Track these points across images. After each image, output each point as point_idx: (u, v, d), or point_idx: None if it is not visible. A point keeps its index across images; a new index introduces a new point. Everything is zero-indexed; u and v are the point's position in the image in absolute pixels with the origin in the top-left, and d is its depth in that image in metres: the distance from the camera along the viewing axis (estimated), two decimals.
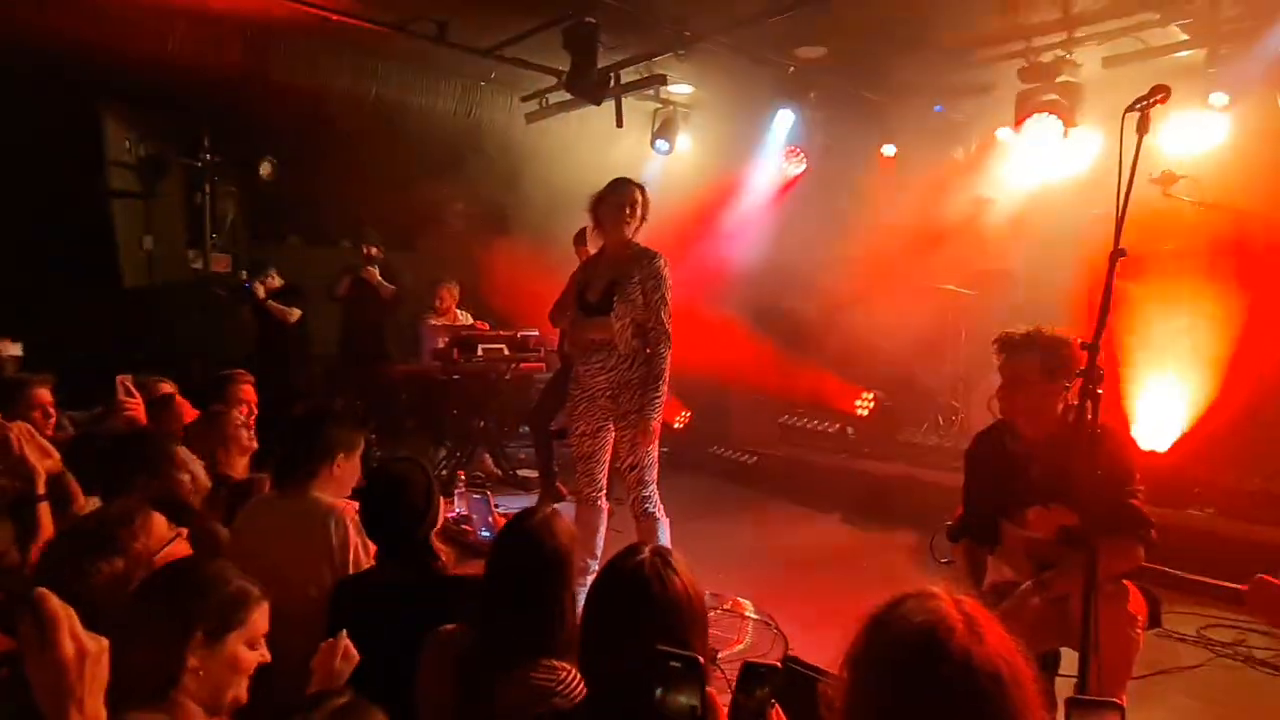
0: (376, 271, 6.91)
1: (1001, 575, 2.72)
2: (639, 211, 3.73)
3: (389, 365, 6.91)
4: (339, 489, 2.63)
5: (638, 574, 1.60)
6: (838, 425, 6.78)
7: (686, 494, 6.41)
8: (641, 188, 3.76)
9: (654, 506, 3.72)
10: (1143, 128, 2.16)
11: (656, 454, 3.73)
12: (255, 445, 3.32)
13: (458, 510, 5.01)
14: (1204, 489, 4.83)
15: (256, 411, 3.95)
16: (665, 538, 3.70)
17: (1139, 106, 2.17)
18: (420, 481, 2.27)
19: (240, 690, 1.55)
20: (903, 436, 6.50)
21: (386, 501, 2.24)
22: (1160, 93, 2.17)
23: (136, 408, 3.18)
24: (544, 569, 1.89)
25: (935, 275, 6.29)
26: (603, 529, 3.85)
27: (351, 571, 2.33)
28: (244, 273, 7.03)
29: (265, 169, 7.09)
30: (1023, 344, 2.61)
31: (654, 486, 3.72)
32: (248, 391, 4.00)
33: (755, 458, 6.95)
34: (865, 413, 6.76)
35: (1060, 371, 2.54)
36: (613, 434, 3.75)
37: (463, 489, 5.16)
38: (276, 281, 6.88)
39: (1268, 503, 4.62)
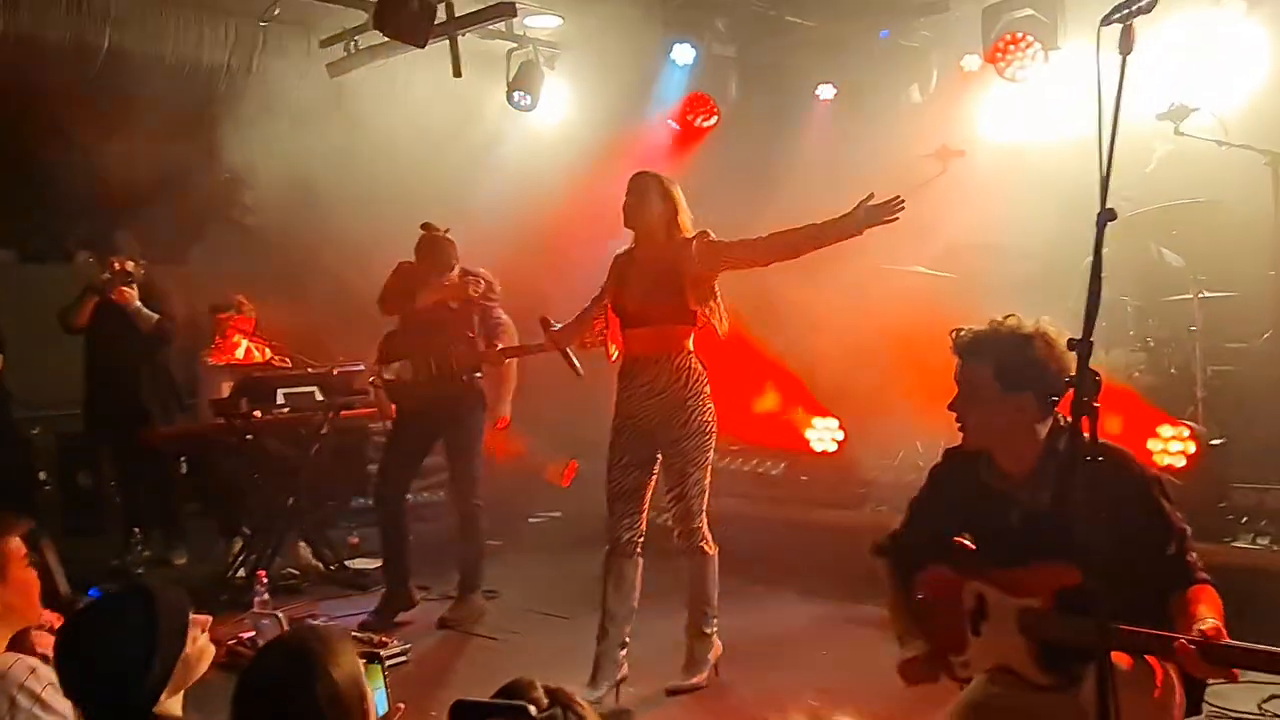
0: (134, 294, 6.56)
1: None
2: (659, 198, 4.31)
3: (150, 425, 6.57)
4: (7, 625, 2.51)
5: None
6: (783, 465, 6.76)
7: (588, 576, 6.26)
8: (658, 177, 4.38)
9: (702, 540, 4.37)
10: (1126, 45, 2.15)
11: (709, 480, 4.36)
12: None
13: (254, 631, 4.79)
14: (1253, 512, 5.01)
15: None
16: (715, 576, 4.41)
17: (1118, 17, 2.17)
18: (129, 627, 2.07)
19: None
20: (870, 474, 6.52)
21: (75, 665, 2.05)
22: None
23: None
24: None
25: (896, 254, 6.34)
26: (638, 586, 4.38)
27: None
28: None
29: None
30: (972, 345, 2.65)
31: (704, 517, 4.36)
32: None
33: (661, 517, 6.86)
34: (830, 448, 6.69)
35: (1024, 380, 2.57)
36: (658, 464, 4.36)
37: (263, 596, 4.92)
38: None
39: None
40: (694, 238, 4.28)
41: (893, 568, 2.94)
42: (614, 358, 4.51)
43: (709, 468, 4.35)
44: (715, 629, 4.47)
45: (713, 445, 4.35)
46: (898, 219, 3.93)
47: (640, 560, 4.37)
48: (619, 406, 4.39)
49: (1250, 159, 5.28)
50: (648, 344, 4.31)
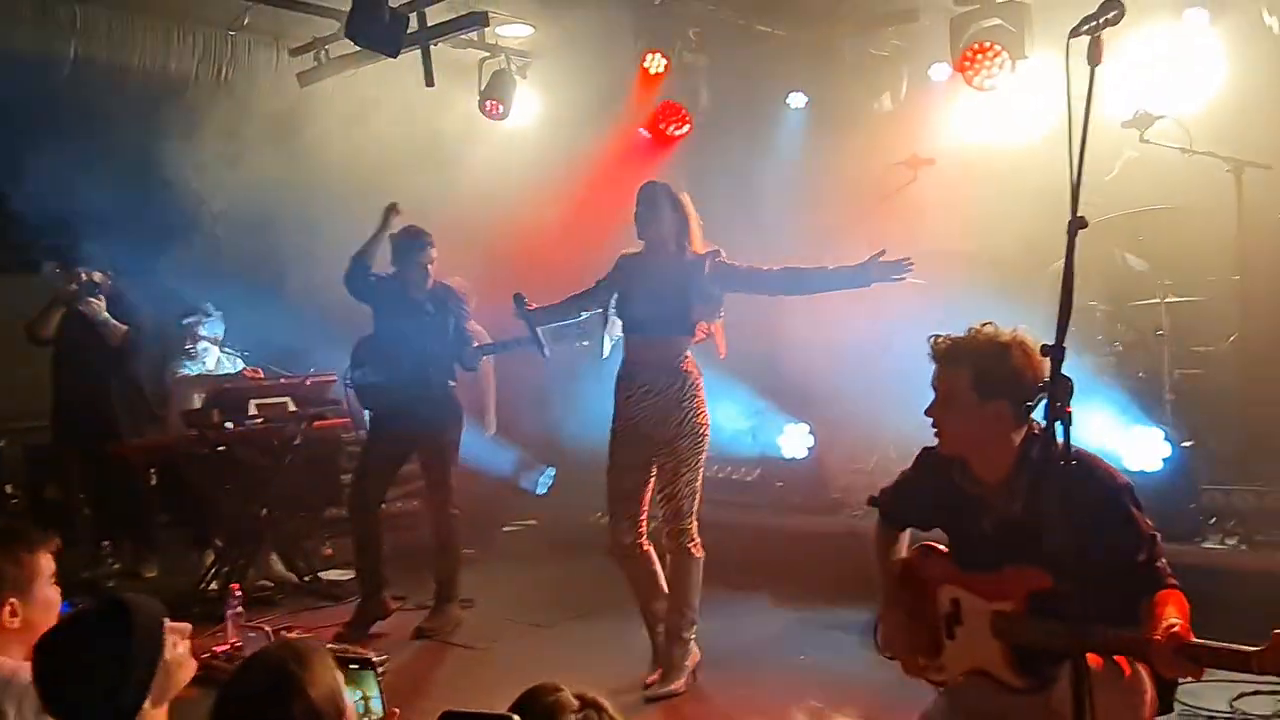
0: (101, 305, 6.52)
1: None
2: (670, 208, 4.43)
3: (119, 437, 6.51)
4: (25, 642, 2.43)
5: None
6: (757, 471, 6.78)
7: (564, 583, 6.34)
8: (667, 187, 4.51)
9: (690, 541, 4.43)
10: (1095, 56, 2.20)
11: (700, 483, 4.47)
12: None
13: (231, 642, 4.75)
14: (1221, 513, 5.11)
15: None
16: (698, 580, 4.46)
17: (1087, 29, 2.21)
18: (103, 640, 2.07)
19: None
20: (844, 480, 6.56)
21: (53, 682, 2.04)
22: (1112, 10, 2.21)
23: None
24: None
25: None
26: (661, 571, 4.53)
27: None
28: None
29: None
30: (951, 352, 2.70)
31: (694, 519, 4.44)
32: None
33: (654, 523, 6.83)
34: (801, 454, 6.75)
35: (1000, 388, 2.61)
36: (655, 466, 4.44)
37: (236, 608, 4.88)
38: None
39: None
40: (706, 255, 4.44)
41: (882, 520, 3.11)
42: (605, 354, 4.64)
43: (701, 470, 4.48)
44: (694, 635, 4.50)
45: (705, 448, 4.48)
46: (904, 280, 4.17)
47: (649, 549, 4.55)
48: (618, 409, 4.52)
49: (1212, 165, 5.39)
50: (650, 351, 4.45)
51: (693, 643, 4.50)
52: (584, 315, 4.75)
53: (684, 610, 4.45)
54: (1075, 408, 2.11)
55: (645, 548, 4.55)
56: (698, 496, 4.47)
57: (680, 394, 4.40)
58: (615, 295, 4.58)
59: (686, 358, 4.47)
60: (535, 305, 4.76)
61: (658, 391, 4.41)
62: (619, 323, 4.58)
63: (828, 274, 4.34)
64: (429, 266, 5.44)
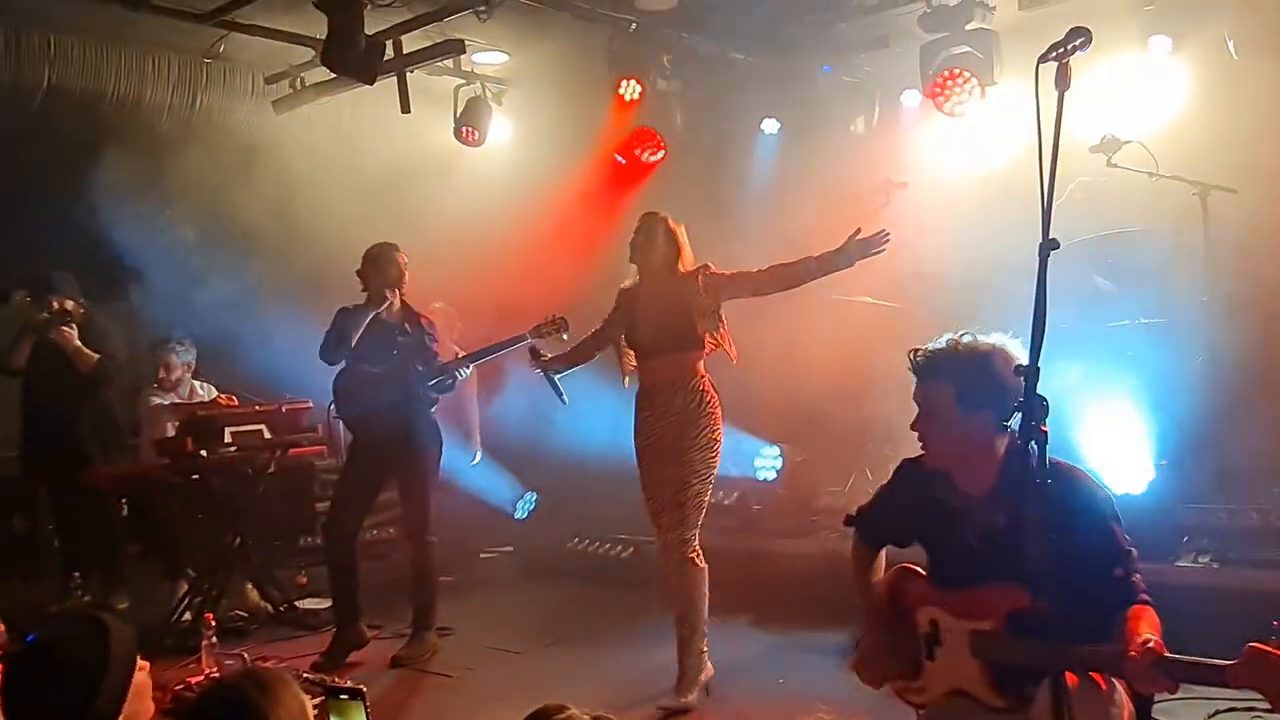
0: (73, 334, 6.46)
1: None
2: (665, 238, 4.62)
3: (90, 466, 6.44)
4: None
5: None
6: (736, 495, 6.81)
7: (540, 610, 6.32)
8: (666, 219, 4.69)
9: (693, 552, 4.51)
10: (1063, 81, 2.25)
11: (708, 497, 4.57)
12: None
13: (206, 672, 4.69)
14: (1194, 532, 5.15)
15: None
16: (704, 591, 4.50)
17: (1055, 55, 2.26)
18: (79, 660, 2.04)
19: None
20: (821, 501, 6.58)
21: (28, 691, 2.01)
22: (1079, 37, 2.27)
23: None
24: None
25: (843, 285, 6.42)
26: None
27: None
28: None
29: None
30: (932, 364, 2.71)
31: (696, 531, 4.52)
32: None
33: (630, 549, 6.86)
34: (770, 476, 6.79)
35: (983, 399, 2.63)
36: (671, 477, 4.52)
37: (211, 639, 4.83)
38: None
39: (1273, 542, 4.95)
40: (697, 271, 4.61)
41: (859, 539, 3.10)
42: (626, 384, 4.78)
43: (710, 483, 4.58)
44: (707, 648, 4.54)
45: (716, 463, 4.59)
46: (884, 251, 4.29)
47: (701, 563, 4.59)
48: (639, 429, 4.66)
49: (1178, 189, 5.48)
50: (664, 372, 4.60)
51: (706, 656, 4.54)
52: (598, 355, 4.92)
53: (693, 621, 4.50)
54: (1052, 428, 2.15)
55: (699, 563, 4.59)
56: (704, 510, 4.55)
57: (698, 410, 4.53)
58: (624, 329, 4.73)
59: (703, 376, 4.60)
60: (548, 354, 4.94)
61: (676, 410, 4.54)
62: (632, 353, 4.74)
63: (814, 262, 4.43)
64: (404, 269, 5.45)
